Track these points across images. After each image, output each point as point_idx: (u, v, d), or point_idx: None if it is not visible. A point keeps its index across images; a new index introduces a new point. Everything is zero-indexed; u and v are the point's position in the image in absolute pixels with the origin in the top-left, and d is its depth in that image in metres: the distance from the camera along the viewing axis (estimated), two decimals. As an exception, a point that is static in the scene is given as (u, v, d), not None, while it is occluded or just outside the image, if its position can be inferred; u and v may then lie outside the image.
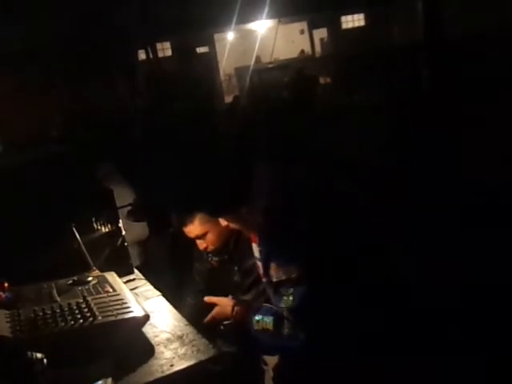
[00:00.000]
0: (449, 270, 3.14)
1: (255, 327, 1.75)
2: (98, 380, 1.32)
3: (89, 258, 1.94)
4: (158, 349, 1.56)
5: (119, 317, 1.52)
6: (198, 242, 2.15)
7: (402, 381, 1.73)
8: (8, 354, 1.31)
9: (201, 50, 15.18)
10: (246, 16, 12.86)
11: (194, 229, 2.08)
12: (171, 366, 1.47)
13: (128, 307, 1.57)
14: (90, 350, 1.44)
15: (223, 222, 1.84)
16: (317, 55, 16.48)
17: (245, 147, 1.72)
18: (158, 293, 2.00)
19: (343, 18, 16.56)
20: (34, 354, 1.28)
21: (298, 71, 11.10)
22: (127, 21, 10.34)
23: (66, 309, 1.56)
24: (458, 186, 4.33)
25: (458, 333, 2.57)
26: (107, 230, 2.09)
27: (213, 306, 1.97)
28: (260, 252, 1.71)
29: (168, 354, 1.53)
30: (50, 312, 1.54)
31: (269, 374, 2.00)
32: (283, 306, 1.63)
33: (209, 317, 1.97)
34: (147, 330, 1.64)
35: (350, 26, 16.73)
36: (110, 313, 1.53)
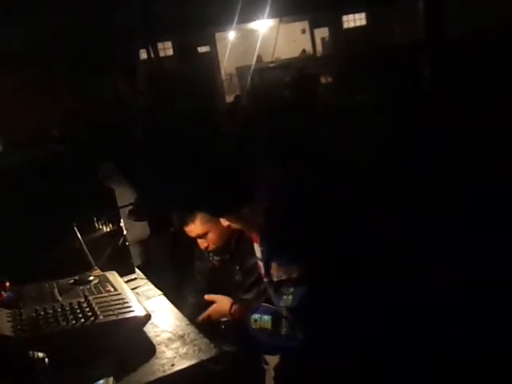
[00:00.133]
0: (449, 269, 3.13)
1: (253, 326, 1.75)
2: (99, 379, 1.32)
3: (90, 258, 1.94)
4: (160, 348, 1.57)
5: (120, 316, 1.52)
6: (199, 241, 2.15)
7: (402, 381, 1.73)
8: (9, 353, 1.31)
9: (202, 49, 15.16)
10: (248, 15, 12.84)
11: (195, 228, 2.09)
12: (172, 365, 1.47)
13: (129, 307, 1.57)
14: (92, 350, 1.44)
15: (224, 222, 1.84)
16: (318, 55, 16.46)
17: (246, 147, 1.72)
18: (159, 292, 2.01)
19: (345, 18, 16.54)
20: (35, 353, 1.28)
21: (299, 71, 11.09)
22: (128, 20, 10.35)
23: (68, 308, 1.56)
24: (459, 186, 4.33)
25: (457, 333, 2.57)
26: (108, 229, 2.09)
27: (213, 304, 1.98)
28: (261, 252, 1.72)
29: (169, 353, 1.53)
30: (51, 311, 1.54)
31: (270, 374, 2.00)
32: (283, 305, 1.63)
33: (205, 314, 1.97)
34: (148, 329, 1.64)
35: (351, 25, 16.71)
36: (111, 312, 1.53)
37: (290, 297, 1.60)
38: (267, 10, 12.46)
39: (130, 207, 2.30)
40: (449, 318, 2.63)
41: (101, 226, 2.08)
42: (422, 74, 7.82)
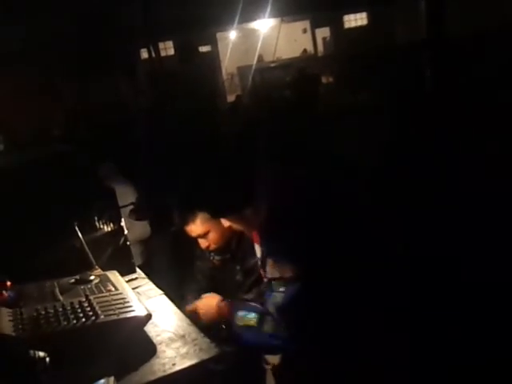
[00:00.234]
0: (449, 270, 3.13)
1: (238, 323, 1.75)
2: (100, 379, 1.32)
3: (91, 257, 1.94)
4: (160, 348, 1.57)
5: (121, 316, 1.52)
6: (200, 240, 2.15)
7: (402, 381, 1.73)
8: (10, 352, 1.31)
9: (203, 49, 15.17)
10: (249, 15, 12.84)
11: (195, 228, 2.09)
12: (173, 365, 1.47)
13: (130, 306, 1.57)
14: (92, 349, 1.44)
15: (225, 223, 1.84)
16: (319, 54, 16.46)
17: (247, 147, 1.72)
18: (160, 292, 2.01)
19: (346, 17, 16.53)
20: (36, 352, 1.28)
21: (300, 70, 11.08)
22: (129, 20, 10.34)
23: (69, 308, 1.56)
24: (460, 187, 4.32)
25: (457, 332, 2.57)
26: (109, 228, 2.09)
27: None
28: (261, 252, 1.72)
29: (170, 353, 1.53)
30: (52, 311, 1.54)
31: (270, 374, 2.00)
32: (272, 301, 1.64)
33: (192, 305, 1.98)
34: (149, 329, 1.64)
35: (352, 25, 16.70)
36: (112, 312, 1.53)
37: (281, 295, 1.61)
38: (268, 9, 12.45)
39: (131, 207, 2.30)
40: (448, 317, 2.63)
41: (102, 226, 2.08)
42: (423, 73, 7.81)
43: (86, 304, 1.58)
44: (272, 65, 14.45)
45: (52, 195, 1.94)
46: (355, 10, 16.14)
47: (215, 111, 9.56)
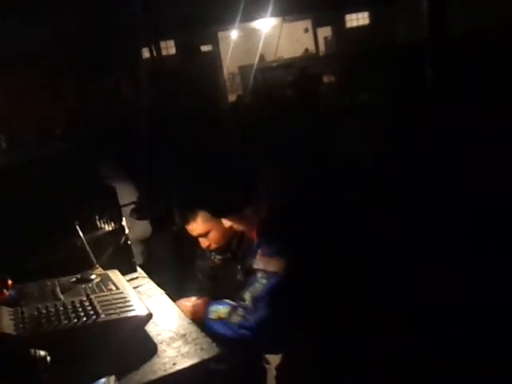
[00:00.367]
0: (448, 270, 3.13)
1: (210, 316, 1.82)
2: (100, 378, 1.32)
3: (92, 256, 1.94)
4: (161, 347, 1.56)
5: (122, 315, 1.52)
6: (201, 240, 2.15)
7: (401, 381, 1.73)
8: (11, 351, 1.31)
9: (205, 48, 15.17)
10: (250, 14, 12.83)
11: (196, 227, 2.08)
12: (174, 364, 1.47)
13: (131, 305, 1.57)
14: (93, 348, 1.44)
15: (226, 223, 1.84)
16: (321, 54, 16.45)
17: (248, 147, 1.73)
18: (161, 291, 2.00)
19: (348, 17, 16.52)
20: (37, 351, 1.28)
21: (302, 70, 11.09)
22: (131, 19, 10.34)
23: (70, 307, 1.56)
24: (461, 187, 4.32)
25: (457, 332, 2.57)
26: (110, 228, 2.09)
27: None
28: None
29: (171, 352, 1.53)
30: (53, 310, 1.54)
31: (271, 373, 2.00)
32: (251, 290, 1.71)
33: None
34: (150, 328, 1.64)
35: (354, 24, 16.68)
36: (112, 311, 1.53)
37: (261, 287, 1.68)
38: (270, 8, 12.44)
39: (132, 206, 2.30)
40: (447, 318, 2.63)
41: (103, 225, 2.08)
42: (425, 73, 7.81)
43: (86, 303, 1.58)
44: (273, 64, 14.44)
45: (53, 194, 1.94)
46: (357, 9, 16.13)
47: (216, 111, 9.56)
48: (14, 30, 9.65)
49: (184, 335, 1.62)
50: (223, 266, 2.25)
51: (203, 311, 1.87)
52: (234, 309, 1.77)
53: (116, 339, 1.47)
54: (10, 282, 1.69)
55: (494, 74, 7.06)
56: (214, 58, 15.06)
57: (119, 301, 1.60)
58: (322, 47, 16.73)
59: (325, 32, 16.66)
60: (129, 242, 2.16)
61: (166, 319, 1.74)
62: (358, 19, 16.67)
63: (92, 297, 1.62)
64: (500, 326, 2.66)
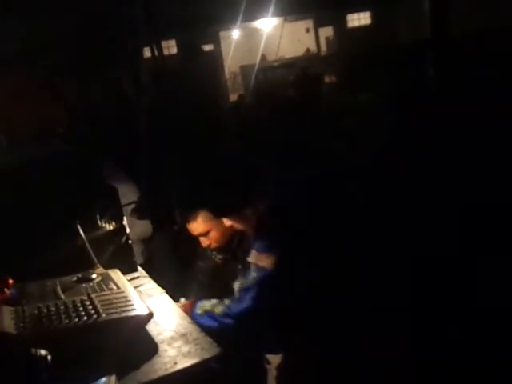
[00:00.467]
0: (448, 270, 3.12)
1: (197, 311, 1.89)
2: (101, 377, 1.32)
3: (93, 256, 1.94)
4: (162, 347, 1.56)
5: (123, 314, 1.52)
6: (201, 239, 2.15)
7: (401, 381, 1.73)
8: (12, 350, 1.32)
9: (206, 47, 15.17)
10: (252, 14, 12.84)
11: (197, 226, 2.09)
12: (175, 364, 1.47)
13: (132, 305, 1.57)
14: (94, 348, 1.44)
15: (227, 223, 1.85)
16: (322, 54, 16.45)
17: (249, 146, 1.74)
18: (162, 290, 2.01)
19: (349, 17, 16.52)
20: (38, 350, 1.28)
21: (303, 70, 11.10)
22: (132, 19, 10.34)
23: (70, 306, 1.56)
24: (461, 187, 4.31)
25: (457, 333, 2.57)
26: (111, 227, 2.09)
27: None
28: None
29: (171, 352, 1.53)
30: (54, 309, 1.54)
31: (272, 373, 2.00)
32: (241, 281, 1.78)
33: None
34: (151, 327, 1.64)
35: (355, 24, 16.68)
36: (113, 310, 1.53)
37: (250, 279, 1.75)
38: (271, 8, 12.45)
39: (133, 205, 2.30)
40: (448, 317, 2.63)
41: (104, 224, 2.08)
42: (426, 73, 7.80)
43: (87, 302, 1.58)
44: (275, 64, 14.44)
45: (53, 194, 1.94)
46: (358, 9, 16.13)
47: (218, 110, 9.56)
48: (14, 30, 9.65)
49: (185, 335, 1.62)
50: (224, 265, 2.25)
51: (191, 309, 1.92)
52: (217, 302, 1.86)
53: (117, 338, 1.47)
54: (10, 281, 1.70)
55: (494, 74, 7.05)
56: (216, 58, 15.06)
57: (120, 300, 1.60)
58: (323, 47, 16.74)
59: (326, 32, 16.66)
60: (130, 242, 2.16)
61: (166, 319, 1.74)
62: (359, 19, 16.67)
63: (93, 296, 1.62)
64: (500, 326, 2.65)
